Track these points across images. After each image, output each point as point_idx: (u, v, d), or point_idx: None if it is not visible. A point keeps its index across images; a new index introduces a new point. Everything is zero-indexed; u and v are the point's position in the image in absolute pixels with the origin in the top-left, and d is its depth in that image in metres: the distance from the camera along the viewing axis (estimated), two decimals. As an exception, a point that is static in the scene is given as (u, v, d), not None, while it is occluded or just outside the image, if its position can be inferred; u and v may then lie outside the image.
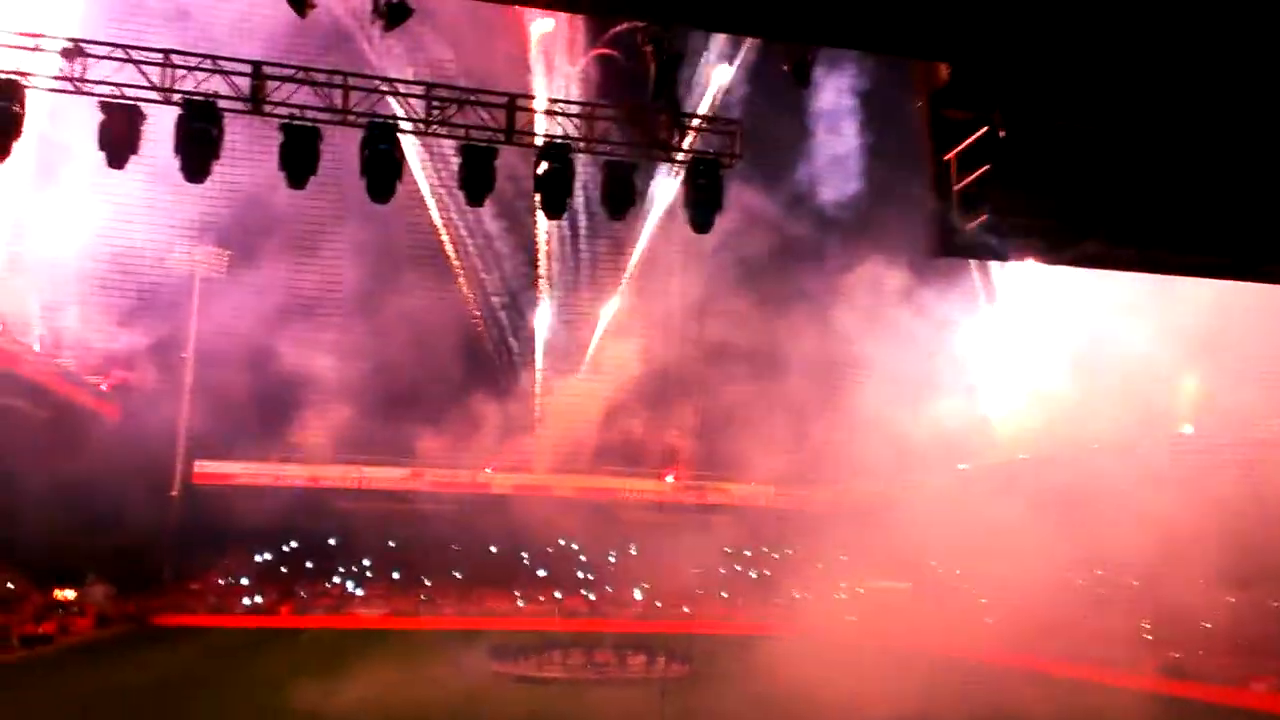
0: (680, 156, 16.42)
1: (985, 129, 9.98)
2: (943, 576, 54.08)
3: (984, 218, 9.95)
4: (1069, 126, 9.81)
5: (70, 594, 55.08)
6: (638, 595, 63.25)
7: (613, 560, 68.08)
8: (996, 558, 38.51)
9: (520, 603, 63.49)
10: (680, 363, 64.08)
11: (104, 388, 59.26)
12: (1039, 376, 56.00)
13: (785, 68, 13.40)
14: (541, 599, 64.01)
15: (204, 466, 65.60)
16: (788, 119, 59.61)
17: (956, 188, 10.28)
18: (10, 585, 50.70)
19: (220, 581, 63.00)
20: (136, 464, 56.73)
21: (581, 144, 16.42)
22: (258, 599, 61.35)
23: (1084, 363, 50.43)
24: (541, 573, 67.25)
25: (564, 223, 64.50)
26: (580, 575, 67.34)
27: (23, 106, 13.13)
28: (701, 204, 16.02)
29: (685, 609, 58.41)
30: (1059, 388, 53.39)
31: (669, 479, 71.24)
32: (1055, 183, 9.95)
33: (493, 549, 67.79)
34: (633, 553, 66.78)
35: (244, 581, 63.06)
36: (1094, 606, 43.59)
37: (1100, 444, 47.39)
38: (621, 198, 16.50)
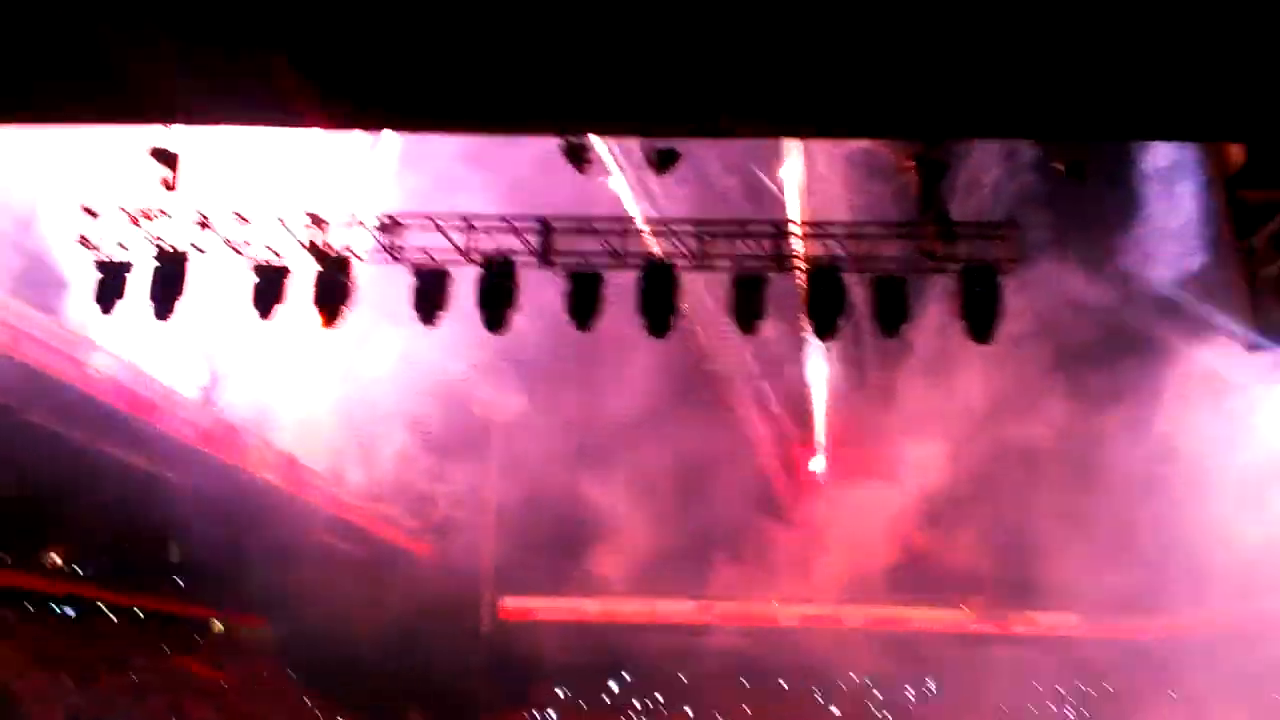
0: (953, 266, 16.15)
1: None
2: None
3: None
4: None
5: (392, 727, 58.62)
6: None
7: (911, 696, 64.42)
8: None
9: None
10: (981, 471, 56.43)
11: (415, 527, 63.91)
12: None
13: (1059, 166, 13.01)
14: (838, 736, 61.38)
15: (509, 602, 68.85)
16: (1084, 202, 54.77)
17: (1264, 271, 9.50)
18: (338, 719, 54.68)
19: (528, 715, 65.16)
20: (448, 601, 60.56)
21: (850, 263, 16.52)
22: (562, 734, 62.76)
23: None
24: (835, 710, 64.63)
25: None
26: (877, 713, 64.09)
27: (351, 278, 14.94)
28: (979, 314, 15.58)
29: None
30: None
31: (966, 609, 66.44)
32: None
33: (783, 684, 66.07)
34: (933, 690, 62.94)
35: (549, 713, 64.90)
36: None
37: None
38: (894, 314, 16.33)
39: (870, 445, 66.37)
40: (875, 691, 64.59)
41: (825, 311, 16.07)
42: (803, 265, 16.39)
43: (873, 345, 65.13)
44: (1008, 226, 16.21)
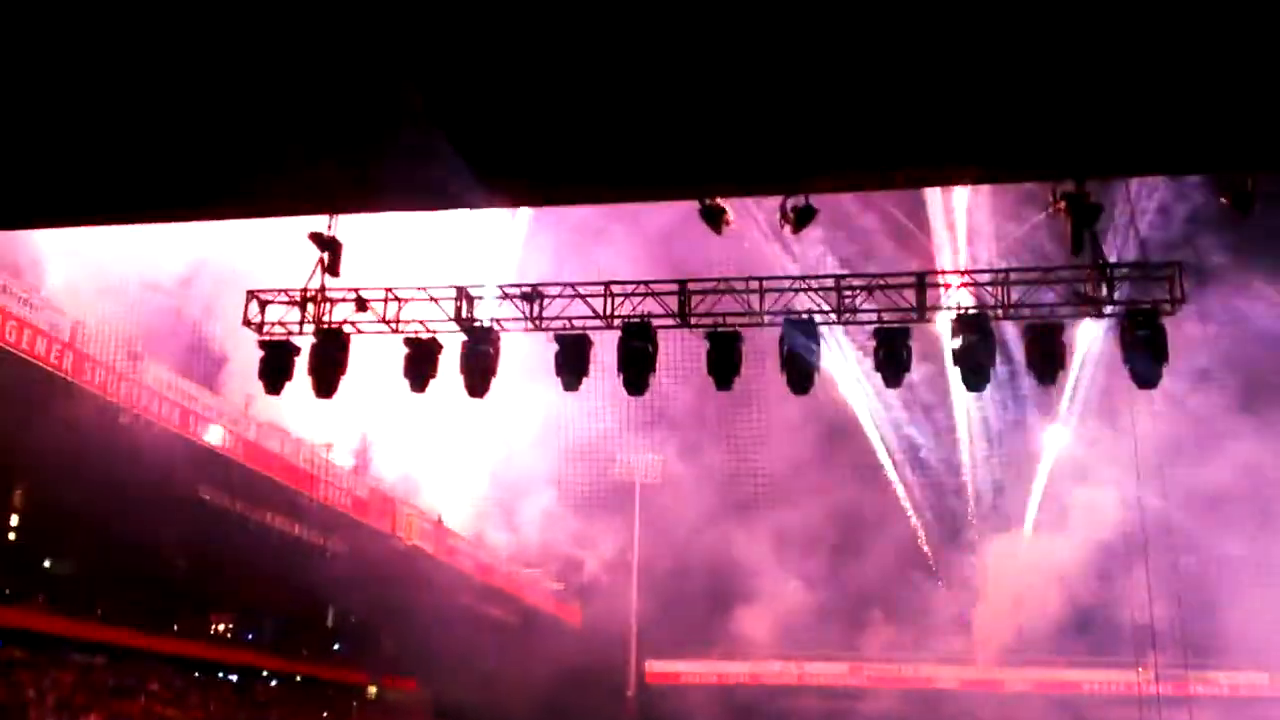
0: (1110, 310, 15.46)
1: None
2: None
3: None
4: None
5: (544, 792, 58.62)
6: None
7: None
8: None
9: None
10: (1158, 518, 50.96)
11: (561, 590, 64.36)
12: None
13: (1223, 200, 12.35)
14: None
15: (654, 665, 68.38)
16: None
17: None
18: (493, 783, 54.98)
19: (676, 780, 64.25)
20: (594, 663, 60.51)
21: (999, 311, 16.00)
22: (709, 799, 61.57)
23: None
24: (1003, 777, 61.53)
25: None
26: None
27: (498, 350, 15.30)
28: (1142, 358, 14.83)
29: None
30: None
31: (1141, 669, 61.82)
32: None
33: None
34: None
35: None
36: None
37: None
38: (1049, 362, 15.70)
39: (1031, 494, 63.49)
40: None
41: (974, 362, 15.57)
42: (949, 314, 15.95)
43: (1031, 386, 62.84)
44: (1169, 266, 15.41)
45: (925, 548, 66.26)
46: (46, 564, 38.37)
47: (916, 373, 16.37)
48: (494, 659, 49.30)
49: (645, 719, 63.95)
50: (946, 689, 64.18)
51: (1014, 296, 15.92)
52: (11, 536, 36.53)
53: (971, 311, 15.86)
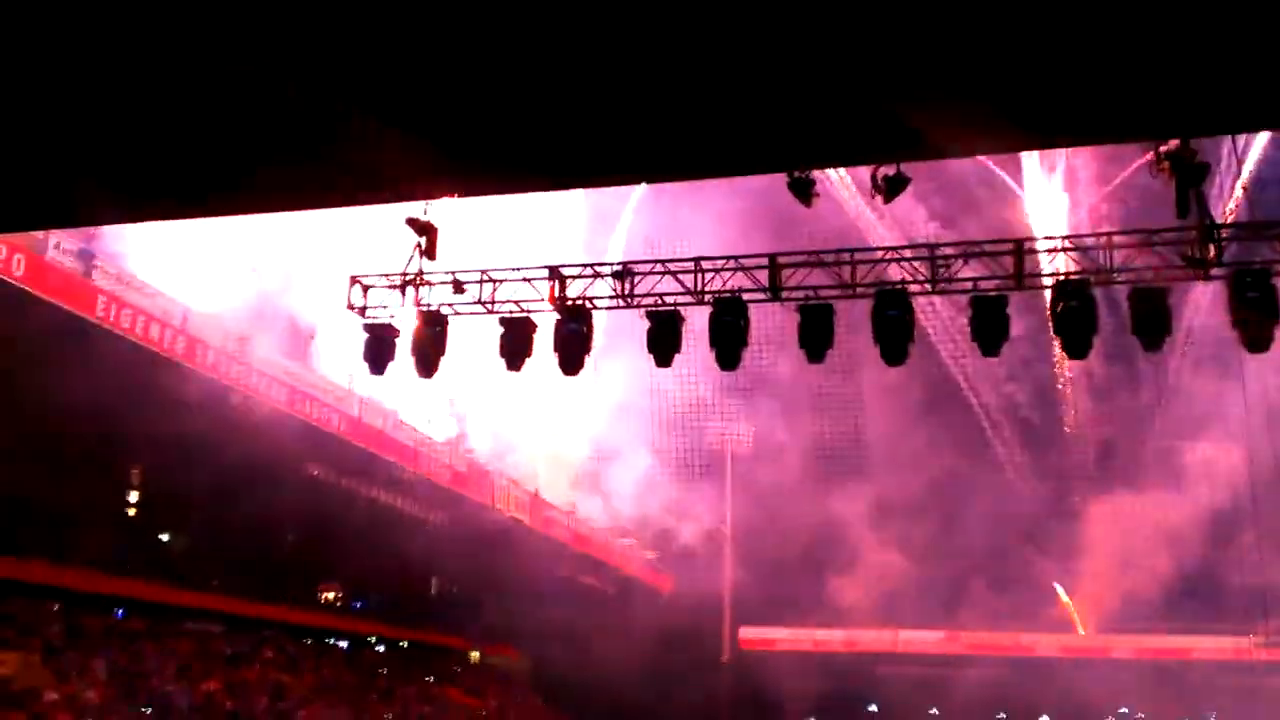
0: (1217, 271, 14.97)
1: None
2: None
3: None
4: None
5: (645, 755, 59.66)
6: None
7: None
8: None
9: (1085, 777, 57.31)
10: (1264, 480, 48.06)
11: (656, 559, 64.98)
12: None
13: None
14: (1111, 773, 57.27)
15: (749, 633, 68.73)
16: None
17: None
18: (594, 747, 56.09)
19: (774, 749, 64.68)
20: (689, 631, 61.13)
21: (1100, 276, 15.63)
22: (809, 767, 61.88)
23: None
24: (1107, 745, 60.45)
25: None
26: (1154, 748, 59.39)
27: (591, 328, 15.54)
28: (1255, 320, 14.35)
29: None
30: None
31: (1251, 635, 59.43)
32: None
33: (1044, 718, 62.42)
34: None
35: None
36: None
37: None
38: (1156, 326, 15.29)
39: (1142, 456, 61.52)
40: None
41: (1075, 329, 15.26)
42: (1048, 281, 15.64)
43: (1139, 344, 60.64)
44: (1278, 225, 14.84)
45: (1031, 514, 65.06)
46: (164, 538, 40.18)
47: (1017, 327, 16.06)
48: (591, 627, 50.14)
49: (740, 686, 64.37)
50: (1047, 656, 63.12)
51: (1116, 260, 15.53)
52: (131, 513, 38.32)
53: (1073, 278, 15.52)
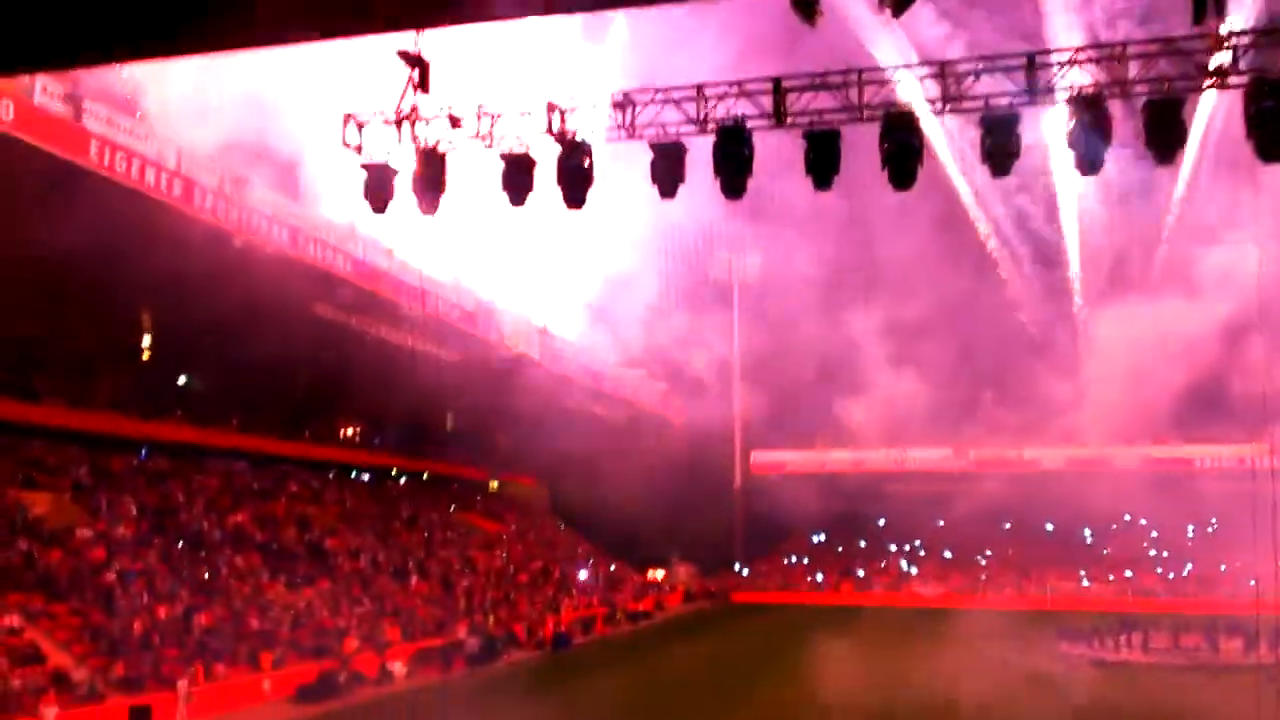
0: (1235, 80, 14.45)
1: None
2: None
3: None
4: None
5: (660, 575, 62.45)
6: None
7: (1191, 536, 61.44)
8: None
9: (1086, 582, 59.79)
10: (1275, 287, 47.25)
11: (667, 389, 66.03)
12: None
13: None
14: (1110, 578, 59.70)
15: (759, 457, 70.58)
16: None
17: None
18: (614, 569, 58.53)
19: (785, 562, 67.52)
20: (702, 459, 62.77)
21: (1116, 88, 15.11)
22: (819, 578, 64.68)
23: None
24: (1106, 551, 62.80)
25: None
26: (1153, 553, 61.67)
27: (592, 160, 15.22)
28: (1269, 130, 13.94)
29: (1289, 588, 50.55)
30: None
31: (1265, 442, 59.14)
32: None
33: (1049, 527, 64.66)
34: (1214, 527, 59.58)
35: (805, 562, 66.93)
36: None
37: None
38: (1169, 139, 14.87)
39: (1151, 267, 60.72)
40: (1153, 532, 62.03)
41: (1088, 145, 14.86)
42: (1060, 95, 15.13)
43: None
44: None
45: (1037, 329, 65.24)
46: (181, 381, 40.88)
47: (1029, 135, 15.63)
48: (605, 456, 51.44)
49: (752, 509, 66.65)
50: (1053, 470, 64.81)
51: (1131, 72, 14.98)
52: (146, 357, 38.85)
53: (1086, 91, 15.02)
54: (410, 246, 37.58)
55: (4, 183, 23.70)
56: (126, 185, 26.22)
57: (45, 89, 24.09)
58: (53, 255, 24.95)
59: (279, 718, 23.74)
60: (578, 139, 15.24)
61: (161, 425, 36.23)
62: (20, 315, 29.88)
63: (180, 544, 30.74)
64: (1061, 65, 15.90)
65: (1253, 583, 52.14)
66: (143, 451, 35.59)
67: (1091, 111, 14.84)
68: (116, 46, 10.60)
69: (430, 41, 14.35)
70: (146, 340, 38.82)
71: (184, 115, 28.95)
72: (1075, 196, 61.90)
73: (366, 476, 48.86)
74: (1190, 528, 61.69)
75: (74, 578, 26.02)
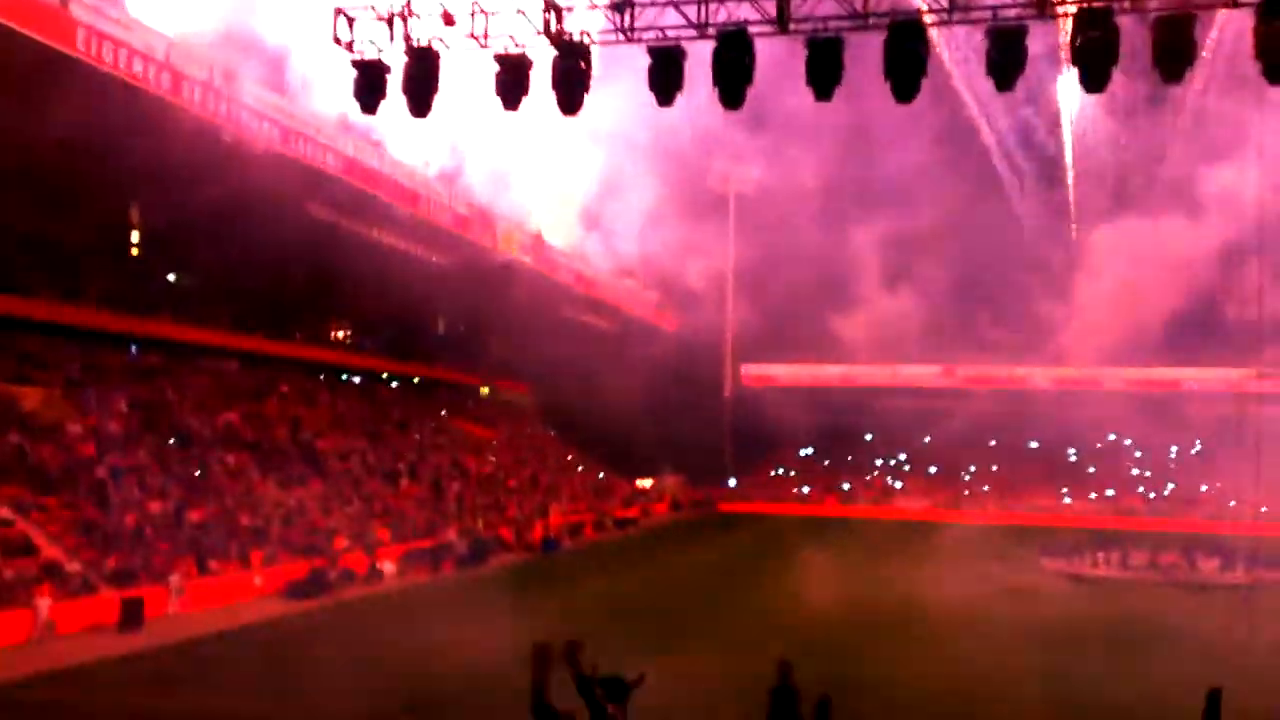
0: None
1: None
2: None
3: None
4: None
5: (648, 483, 63.20)
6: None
7: (1174, 457, 62.26)
8: None
9: (1067, 499, 60.74)
10: (1273, 213, 44.88)
11: (659, 299, 65.97)
12: None
13: None
14: (1092, 496, 60.63)
15: (750, 370, 70.90)
16: None
17: None
18: (601, 476, 59.16)
19: (772, 474, 68.37)
20: (693, 370, 62.97)
21: (1126, 5, 14.75)
22: (805, 490, 65.58)
23: None
24: (1090, 469, 63.65)
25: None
26: (1136, 472, 62.57)
27: (589, 64, 14.87)
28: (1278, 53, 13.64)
29: (1264, 509, 51.36)
30: None
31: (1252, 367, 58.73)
32: None
33: (1033, 445, 65.40)
34: (1198, 450, 60.35)
35: (793, 474, 67.80)
36: None
37: None
38: (1178, 57, 14.55)
39: (1151, 187, 60.04)
40: (1136, 452, 62.82)
41: (1095, 61, 14.55)
42: (1069, 10, 14.79)
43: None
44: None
45: (1032, 249, 64.87)
46: (170, 278, 40.59)
47: (1036, 45, 15.28)
48: (596, 364, 51.58)
49: (741, 420, 67.17)
50: (1041, 389, 65.33)
51: (1141, -14, 14.61)
52: (134, 252, 38.50)
53: (1097, 6, 14.65)
54: (402, 146, 37.06)
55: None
56: (115, 76, 25.65)
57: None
58: (42, 147, 24.55)
59: (269, 612, 24.13)
60: (574, 41, 14.86)
61: (152, 322, 36.05)
62: (11, 208, 29.54)
63: (171, 441, 30.89)
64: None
65: (1232, 504, 53.39)
66: (133, 348, 35.49)
67: (1100, 27, 14.52)
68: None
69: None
70: (136, 236, 38.43)
71: (170, 4, 28.24)
72: (1077, 112, 61.08)
73: (358, 379, 48.93)
74: (1174, 449, 62.48)
75: (66, 472, 26.18)
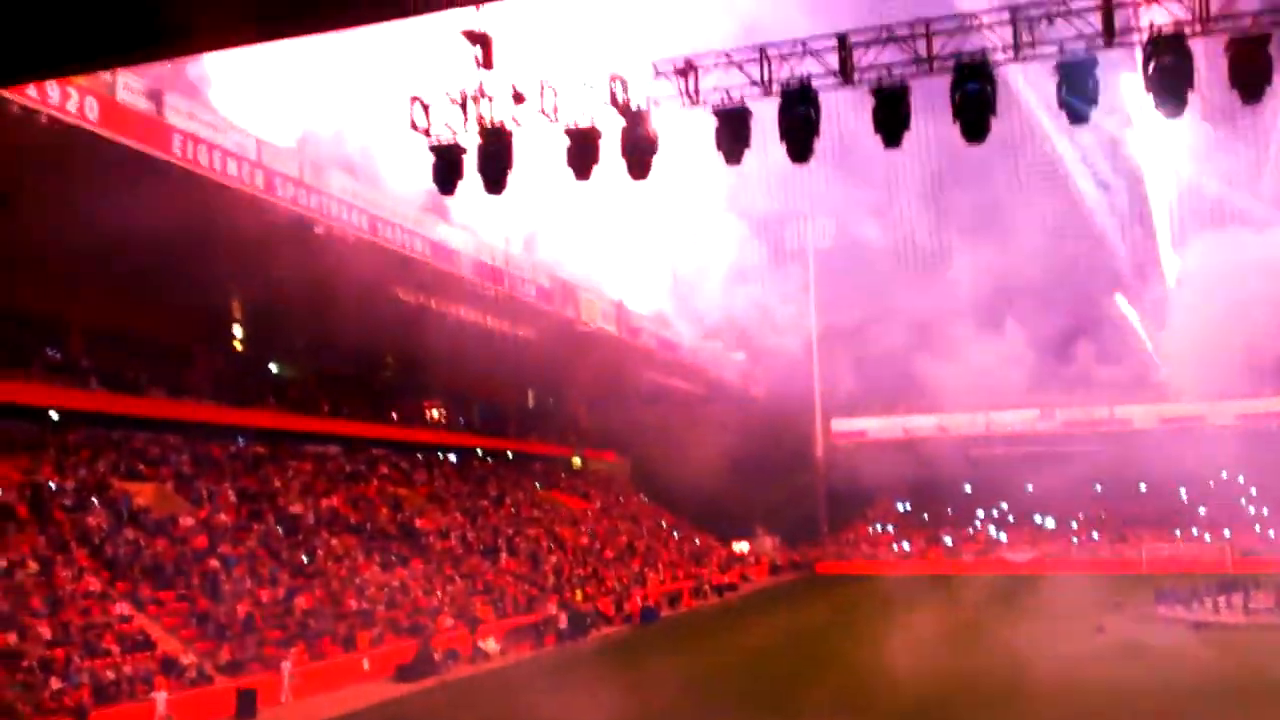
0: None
1: None
2: None
3: None
4: None
5: (745, 547, 62.48)
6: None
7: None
8: None
9: (1182, 544, 58.12)
10: None
11: (744, 361, 65.74)
12: None
13: None
14: (1208, 538, 57.91)
15: (839, 425, 69.95)
16: None
17: None
18: (697, 541, 58.70)
19: (870, 531, 66.95)
20: (782, 429, 62.37)
21: (1199, 28, 14.52)
22: (905, 546, 63.95)
23: None
24: (1202, 510, 60.90)
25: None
26: (1252, 511, 59.63)
27: (653, 129, 15.15)
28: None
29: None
30: None
31: None
32: None
33: (1142, 487, 62.90)
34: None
35: (891, 530, 66.25)
36: None
37: None
38: (1255, 78, 14.23)
39: (1248, 210, 57.95)
40: (1252, 489, 59.97)
41: (1171, 87, 14.31)
42: (1141, 37, 14.60)
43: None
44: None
45: (1127, 285, 63.07)
46: (272, 368, 42.03)
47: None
48: (686, 429, 51.48)
49: (835, 478, 66.08)
50: (1145, 428, 62.98)
51: (1213, 9, 14.38)
52: (236, 345, 40.02)
53: (1167, 31, 14.46)
54: (483, 224, 37.95)
55: (93, 178, 24.42)
56: (210, 179, 26.89)
57: (127, 85, 24.67)
58: (143, 249, 25.71)
59: (381, 696, 24.31)
60: (640, 109, 15.18)
61: (255, 412, 37.27)
62: (117, 309, 31.01)
63: (279, 528, 31.65)
64: (1138, 4, 15.37)
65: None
66: (239, 439, 36.67)
67: (1172, 52, 14.31)
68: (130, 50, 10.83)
69: (492, 17, 14.43)
70: (237, 329, 40.00)
71: (257, 106, 29.61)
72: (1159, 141, 59.59)
73: (453, 457, 49.70)
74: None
75: (179, 565, 26.95)
